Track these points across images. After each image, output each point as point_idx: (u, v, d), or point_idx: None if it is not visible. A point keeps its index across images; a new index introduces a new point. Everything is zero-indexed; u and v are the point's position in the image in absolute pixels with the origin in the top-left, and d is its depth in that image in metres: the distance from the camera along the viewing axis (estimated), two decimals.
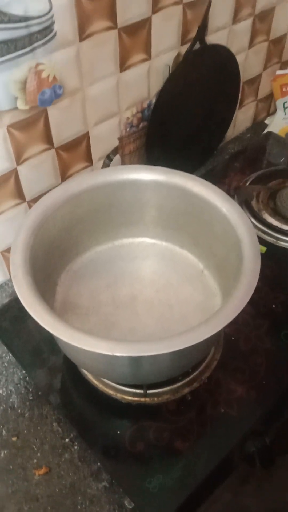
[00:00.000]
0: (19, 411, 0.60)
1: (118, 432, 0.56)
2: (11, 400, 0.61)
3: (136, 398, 0.57)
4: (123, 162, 0.79)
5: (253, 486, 0.58)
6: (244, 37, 0.84)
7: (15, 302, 0.69)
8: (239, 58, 0.84)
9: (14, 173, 0.64)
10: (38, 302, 0.45)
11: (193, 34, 0.73)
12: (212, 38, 0.77)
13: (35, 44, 0.55)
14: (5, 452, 0.57)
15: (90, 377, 0.59)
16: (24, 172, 0.65)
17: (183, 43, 0.73)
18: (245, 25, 0.82)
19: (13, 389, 0.62)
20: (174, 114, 0.78)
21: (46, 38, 0.56)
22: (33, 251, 0.50)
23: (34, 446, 0.57)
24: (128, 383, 0.57)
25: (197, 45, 0.74)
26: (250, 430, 0.56)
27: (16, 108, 0.58)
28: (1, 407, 0.60)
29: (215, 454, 0.54)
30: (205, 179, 0.59)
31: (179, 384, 0.58)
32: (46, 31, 0.56)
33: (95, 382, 0.59)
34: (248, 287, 0.45)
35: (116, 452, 0.54)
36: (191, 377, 0.59)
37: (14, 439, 0.57)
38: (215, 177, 0.88)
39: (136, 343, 0.43)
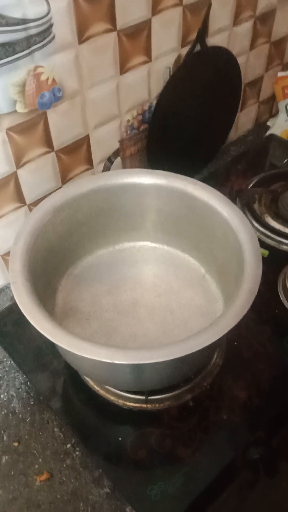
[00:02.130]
0: (21, 416, 0.60)
1: (120, 439, 0.55)
2: (12, 405, 0.61)
3: (137, 404, 0.57)
4: (124, 165, 0.78)
5: (259, 494, 0.57)
6: (245, 39, 0.84)
7: (16, 306, 0.67)
8: (240, 60, 0.84)
9: (14, 177, 0.63)
10: (38, 309, 0.45)
11: (193, 36, 0.73)
12: (212, 40, 0.77)
13: (34, 47, 0.55)
14: (7, 457, 0.56)
15: (91, 383, 0.59)
16: (24, 175, 0.64)
17: (183, 45, 0.73)
18: (246, 27, 0.82)
19: (14, 394, 0.62)
20: (175, 117, 0.78)
21: (45, 41, 0.56)
22: (33, 257, 0.50)
23: (35, 452, 0.56)
24: (129, 389, 0.57)
25: (198, 47, 0.74)
26: (253, 437, 0.55)
27: (15, 112, 0.58)
28: (3, 412, 0.60)
29: (218, 461, 0.53)
30: (207, 181, 0.58)
31: (181, 390, 0.57)
32: (45, 34, 0.55)
33: (96, 388, 0.58)
34: (249, 293, 0.44)
35: (117, 459, 0.54)
36: (193, 383, 0.58)
37: (16, 444, 0.57)
38: (217, 180, 0.87)
39: (136, 351, 0.43)
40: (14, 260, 0.48)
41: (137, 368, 0.46)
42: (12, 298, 0.72)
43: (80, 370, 0.57)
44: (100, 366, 0.47)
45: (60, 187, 0.71)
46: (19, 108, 0.58)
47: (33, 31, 0.54)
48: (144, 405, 0.57)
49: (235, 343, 0.63)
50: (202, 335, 0.43)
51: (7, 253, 0.70)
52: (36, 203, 0.68)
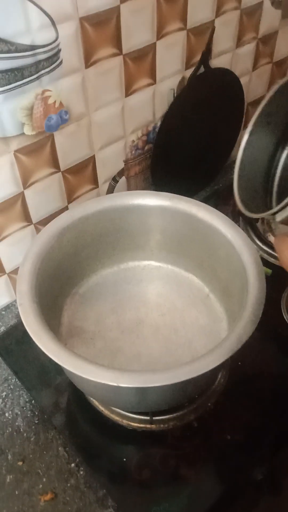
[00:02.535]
0: (25, 435, 0.60)
1: (124, 459, 0.55)
2: (16, 423, 0.61)
3: (142, 425, 0.57)
4: (128, 184, 0.79)
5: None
6: (247, 60, 0.85)
7: (21, 324, 0.68)
8: (243, 80, 0.85)
9: (21, 197, 0.64)
10: (44, 331, 0.45)
11: (197, 58, 0.74)
12: (216, 62, 0.78)
13: (42, 72, 0.56)
14: (11, 477, 0.56)
15: (95, 403, 0.59)
16: (31, 195, 0.65)
17: (187, 67, 0.74)
18: (248, 49, 0.83)
19: (19, 412, 0.62)
20: (179, 136, 0.79)
21: (53, 66, 0.57)
22: (39, 278, 0.51)
23: (39, 471, 0.56)
24: (133, 410, 0.57)
25: (202, 69, 0.75)
26: (257, 457, 0.55)
27: (23, 134, 0.59)
28: (7, 431, 0.60)
29: (221, 482, 0.53)
30: (210, 199, 0.59)
31: (185, 410, 0.57)
32: (53, 59, 0.57)
33: (100, 408, 0.59)
34: (253, 317, 0.45)
35: (121, 479, 0.54)
36: (197, 403, 0.58)
37: (20, 463, 0.57)
38: (220, 198, 0.88)
39: (141, 374, 0.43)
40: (21, 282, 0.49)
41: (142, 391, 0.46)
42: (17, 315, 0.73)
43: (85, 391, 0.57)
44: (105, 388, 0.47)
45: (66, 206, 0.71)
46: (27, 130, 0.59)
47: (42, 57, 0.55)
48: (148, 426, 0.57)
49: (239, 363, 0.63)
50: (207, 358, 0.43)
51: (13, 271, 0.71)
52: (42, 222, 0.69)
